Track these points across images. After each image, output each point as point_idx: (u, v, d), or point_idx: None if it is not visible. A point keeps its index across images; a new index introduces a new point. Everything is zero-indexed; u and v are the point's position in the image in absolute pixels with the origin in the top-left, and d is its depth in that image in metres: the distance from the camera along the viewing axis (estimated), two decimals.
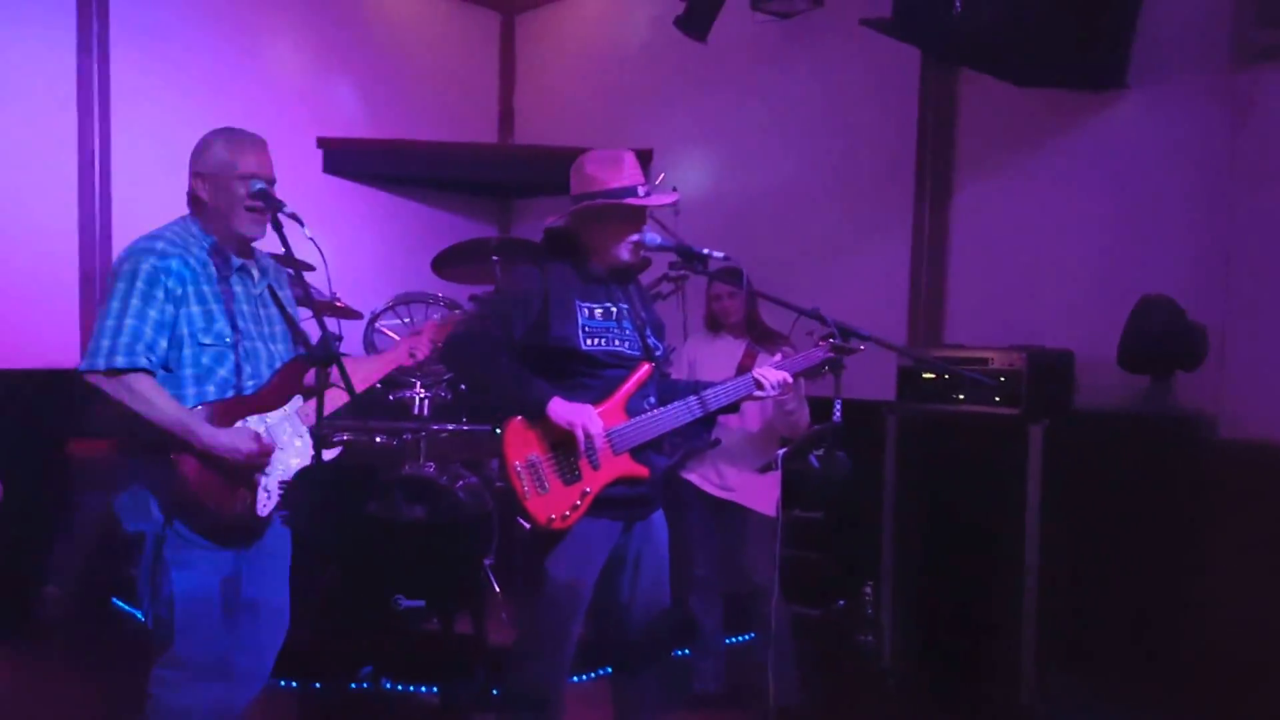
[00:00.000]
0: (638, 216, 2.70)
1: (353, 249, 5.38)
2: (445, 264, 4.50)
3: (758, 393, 2.75)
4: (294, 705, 3.59)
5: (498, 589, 4.24)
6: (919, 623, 3.83)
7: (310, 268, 3.64)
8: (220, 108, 4.96)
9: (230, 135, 2.64)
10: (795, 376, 2.80)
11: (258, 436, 2.53)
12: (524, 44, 6.46)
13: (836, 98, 4.93)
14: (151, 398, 2.43)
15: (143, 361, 2.43)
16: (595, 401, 2.62)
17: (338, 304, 4.32)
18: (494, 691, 3.55)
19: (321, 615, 3.90)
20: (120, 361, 2.41)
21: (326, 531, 3.77)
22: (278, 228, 2.56)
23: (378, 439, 4.42)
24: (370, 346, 4.48)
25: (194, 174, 2.62)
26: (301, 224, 2.53)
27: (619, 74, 5.88)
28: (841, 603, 4.42)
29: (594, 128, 5.71)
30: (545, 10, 6.34)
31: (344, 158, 5.71)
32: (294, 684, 3.65)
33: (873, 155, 4.82)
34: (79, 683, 3.91)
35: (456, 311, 4.29)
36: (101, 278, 4.95)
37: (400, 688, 3.70)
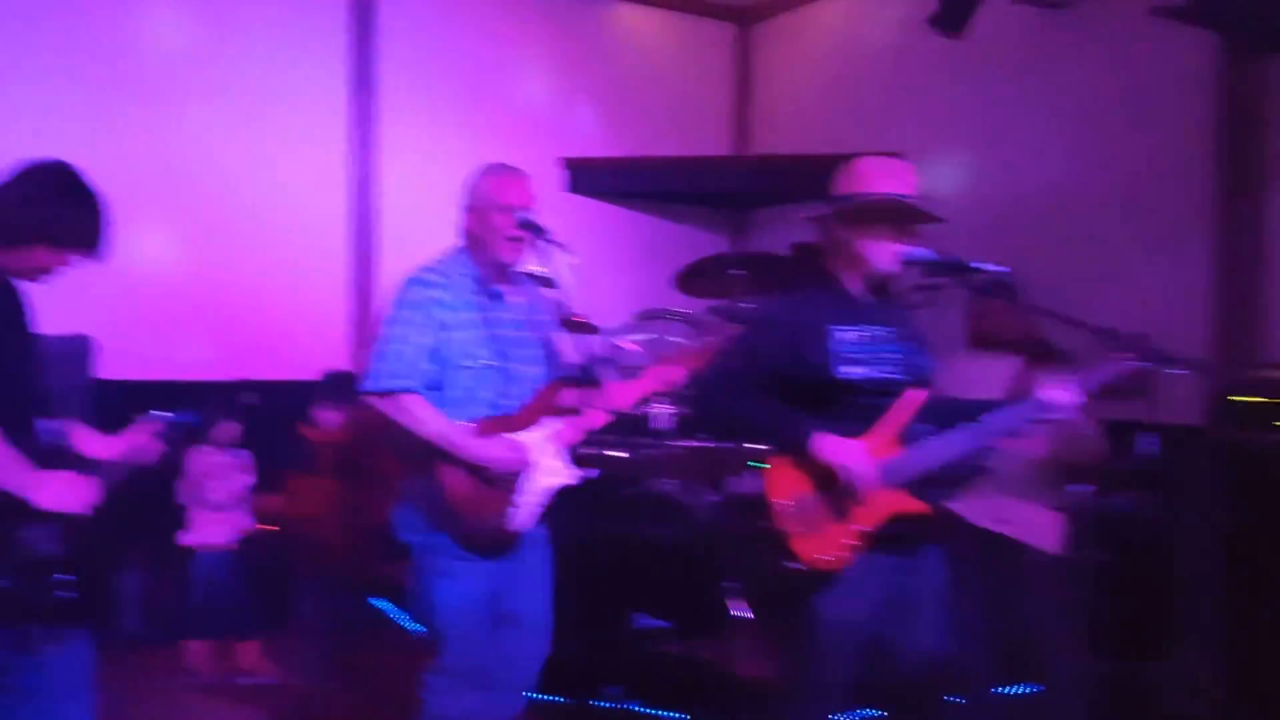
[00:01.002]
0: (907, 223, 2.46)
1: (595, 265, 5.42)
2: (687, 278, 4.43)
3: (1047, 416, 2.42)
4: (541, 719, 3.59)
5: (742, 614, 4.08)
6: (1243, 688, 3.29)
7: (553, 285, 3.66)
8: (474, 136, 5.33)
9: (495, 170, 2.76)
10: (1089, 399, 2.46)
11: (517, 447, 2.64)
12: (760, 53, 6.35)
13: (1113, 90, 4.47)
14: (420, 414, 2.61)
15: (411, 384, 2.61)
16: (862, 432, 2.40)
17: (580, 321, 4.32)
18: None
19: (567, 630, 3.89)
20: (391, 384, 2.60)
21: (570, 547, 3.77)
22: (542, 253, 2.68)
23: (619, 454, 4.38)
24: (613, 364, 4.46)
25: (462, 207, 2.77)
26: (564, 250, 2.64)
27: (861, 77, 5.65)
28: (1153, 660, 3.89)
29: (832, 133, 5.55)
30: (782, 19, 6.21)
31: (586, 176, 5.79)
32: (540, 696, 3.64)
33: (1160, 152, 4.33)
34: (347, 680, 4.06)
35: (710, 338, 4.18)
36: (370, 297, 5.33)
37: (647, 711, 3.61)
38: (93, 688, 2.42)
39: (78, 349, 3.96)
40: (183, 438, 2.55)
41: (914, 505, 2.39)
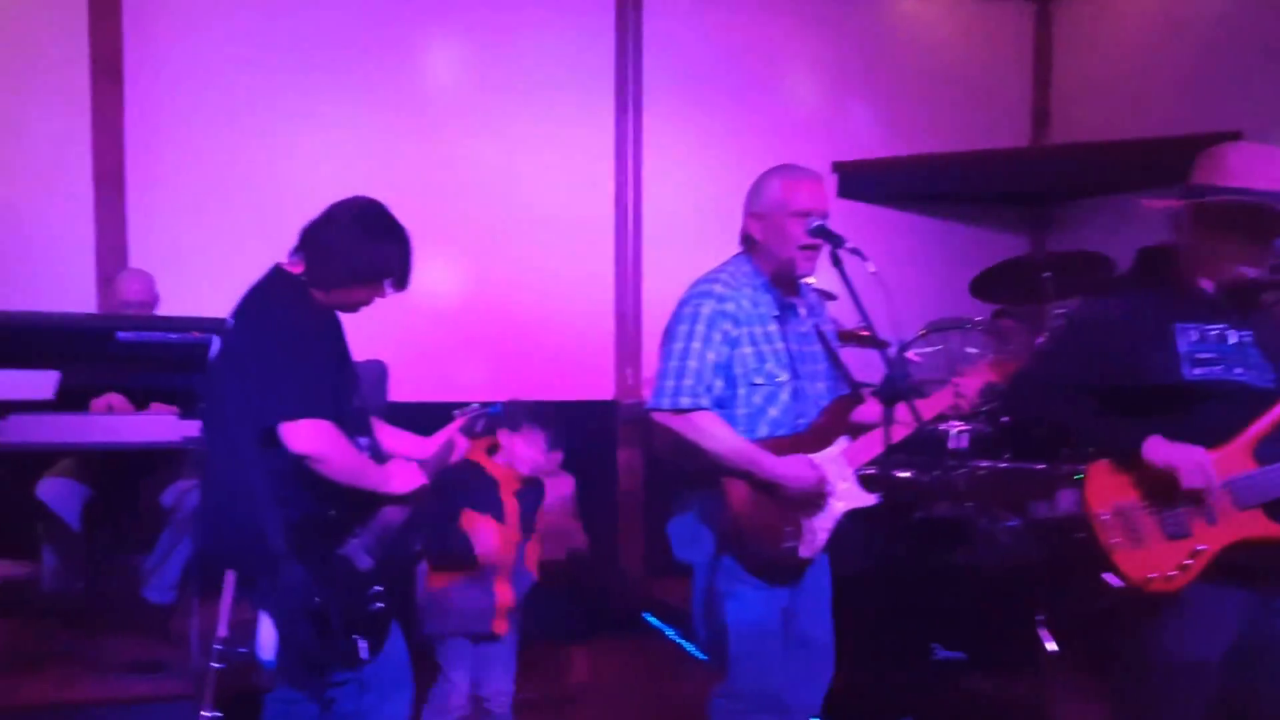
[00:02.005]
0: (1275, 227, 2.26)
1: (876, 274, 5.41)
2: (985, 284, 4.32)
3: None
4: None
5: (1051, 647, 3.94)
6: None
7: (833, 297, 3.71)
8: (740, 147, 5.43)
9: (785, 173, 2.73)
10: None
11: (816, 467, 2.61)
12: (1064, 32, 6.06)
13: None
14: (716, 432, 2.61)
15: (704, 402, 2.62)
16: (1211, 443, 2.26)
17: (862, 334, 4.35)
18: None
19: (857, 657, 3.92)
20: (685, 402, 2.62)
21: (862, 572, 3.79)
22: (837, 263, 2.62)
23: (910, 475, 4.35)
24: None
25: (749, 214, 2.75)
26: (864, 259, 2.56)
27: (1185, 51, 5.27)
28: None
29: (1148, 116, 5.24)
30: None
31: (859, 180, 5.74)
32: None
33: None
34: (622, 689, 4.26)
35: (1012, 347, 4.07)
36: (634, 318, 5.57)
37: None
38: (411, 681, 2.76)
39: (374, 373, 4.33)
40: (485, 430, 2.81)
41: (1274, 530, 2.23)
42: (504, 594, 3.25)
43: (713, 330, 2.62)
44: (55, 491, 4.10)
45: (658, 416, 2.66)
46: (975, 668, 3.87)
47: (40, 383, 4.04)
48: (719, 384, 2.63)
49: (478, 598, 3.20)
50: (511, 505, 3.28)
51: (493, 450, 3.27)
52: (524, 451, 3.25)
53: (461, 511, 3.18)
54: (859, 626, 3.98)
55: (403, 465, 2.64)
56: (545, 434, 3.28)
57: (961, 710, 3.73)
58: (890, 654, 3.92)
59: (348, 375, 2.64)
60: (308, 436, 2.39)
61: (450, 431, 2.77)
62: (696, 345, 2.63)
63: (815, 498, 2.63)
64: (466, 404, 2.85)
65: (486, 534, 3.14)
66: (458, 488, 3.16)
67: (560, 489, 4.80)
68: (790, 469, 2.59)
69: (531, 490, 3.34)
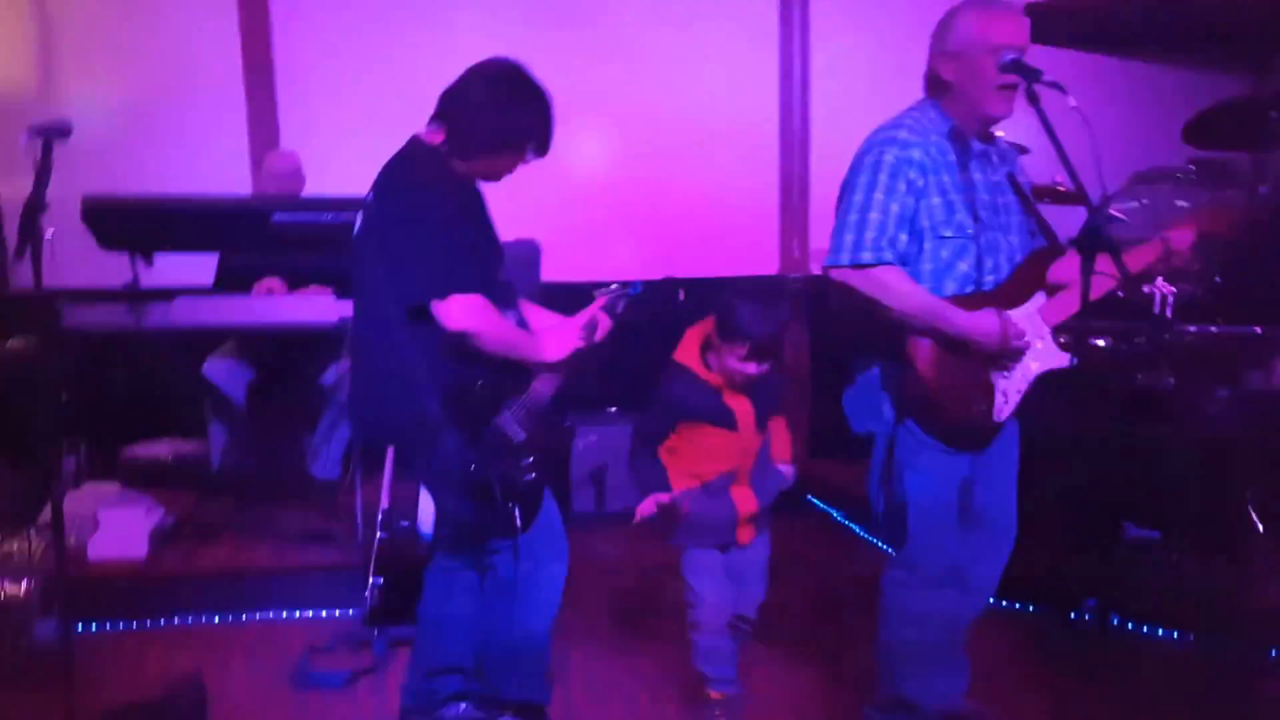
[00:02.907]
0: None
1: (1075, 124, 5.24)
2: (1203, 128, 4.12)
3: None
4: (1006, 628, 3.67)
5: (1261, 528, 3.88)
6: None
7: (1025, 149, 3.61)
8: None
9: (980, 5, 2.62)
10: None
11: (1011, 323, 2.58)
12: None
13: None
14: (900, 288, 2.58)
15: (888, 256, 2.58)
16: None
17: (1060, 188, 4.25)
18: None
19: (1041, 532, 3.94)
20: (867, 257, 2.58)
21: (1050, 443, 3.78)
22: (1034, 101, 2.50)
23: (1109, 340, 4.26)
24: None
25: (937, 53, 2.68)
26: (1064, 92, 2.44)
27: None
28: None
29: None
30: None
31: (1055, 22, 5.41)
32: (1005, 604, 3.79)
33: None
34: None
35: (1228, 198, 3.89)
36: (800, 185, 5.52)
37: (1135, 628, 3.60)
38: (566, 550, 2.86)
39: (526, 253, 4.42)
40: (629, 309, 2.84)
41: None
42: (745, 500, 3.03)
43: (896, 180, 2.58)
44: (221, 370, 4.46)
45: (835, 274, 2.63)
46: (1171, 549, 3.84)
47: (201, 266, 4.40)
48: (903, 237, 2.59)
49: (714, 508, 3.01)
50: (742, 405, 2.99)
51: (707, 348, 2.99)
52: (734, 365, 2.92)
53: (677, 426, 3.00)
54: (1045, 500, 4.01)
55: (556, 332, 2.73)
56: (748, 343, 2.89)
57: (1152, 594, 3.69)
58: (1077, 531, 3.90)
59: (493, 247, 2.71)
60: (462, 312, 2.48)
61: (593, 311, 2.81)
62: (879, 196, 2.58)
63: (1008, 356, 2.61)
64: (608, 284, 2.90)
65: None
66: (672, 399, 2.99)
67: None
68: (981, 323, 2.55)
69: (762, 384, 3.00)
